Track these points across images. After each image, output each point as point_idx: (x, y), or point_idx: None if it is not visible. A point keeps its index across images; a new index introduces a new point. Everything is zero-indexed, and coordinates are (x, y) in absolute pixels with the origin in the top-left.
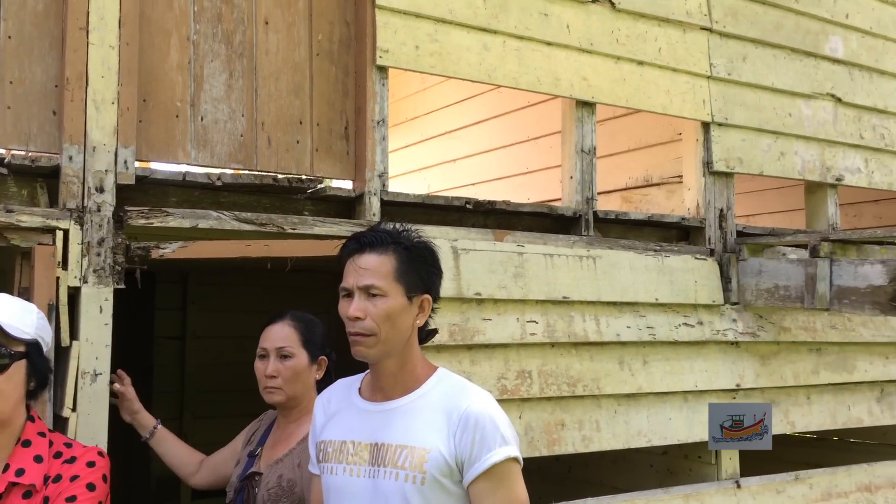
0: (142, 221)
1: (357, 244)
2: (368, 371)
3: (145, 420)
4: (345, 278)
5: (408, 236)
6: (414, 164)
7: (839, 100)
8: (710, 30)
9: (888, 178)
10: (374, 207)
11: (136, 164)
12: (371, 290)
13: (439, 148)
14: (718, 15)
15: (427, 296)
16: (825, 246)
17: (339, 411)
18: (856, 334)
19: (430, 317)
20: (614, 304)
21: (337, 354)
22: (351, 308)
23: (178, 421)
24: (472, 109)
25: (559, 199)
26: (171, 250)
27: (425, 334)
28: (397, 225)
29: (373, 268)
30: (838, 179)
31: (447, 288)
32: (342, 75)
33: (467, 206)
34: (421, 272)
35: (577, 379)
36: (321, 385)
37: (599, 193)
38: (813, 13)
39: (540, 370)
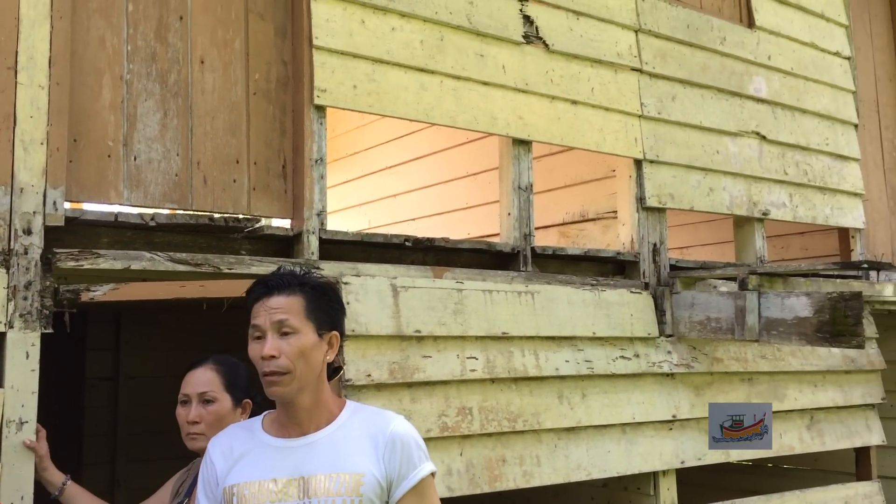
0: (71, 264)
1: (265, 287)
2: (267, 412)
3: (53, 477)
4: (255, 320)
5: (311, 277)
6: (354, 200)
7: (764, 137)
8: (640, 71)
9: (811, 212)
10: (312, 246)
11: (67, 205)
12: (283, 328)
13: (380, 183)
14: (648, 57)
15: (335, 332)
16: (753, 279)
17: (247, 453)
18: (785, 364)
19: (337, 353)
20: (553, 338)
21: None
22: (266, 347)
23: (111, 465)
24: (411, 145)
25: (499, 234)
26: (101, 293)
27: (332, 370)
28: (297, 268)
29: (284, 307)
30: (765, 214)
31: (387, 326)
32: (280, 114)
33: (406, 243)
34: (328, 310)
35: (518, 414)
36: None
37: (538, 228)
38: (737, 55)
39: (480, 406)
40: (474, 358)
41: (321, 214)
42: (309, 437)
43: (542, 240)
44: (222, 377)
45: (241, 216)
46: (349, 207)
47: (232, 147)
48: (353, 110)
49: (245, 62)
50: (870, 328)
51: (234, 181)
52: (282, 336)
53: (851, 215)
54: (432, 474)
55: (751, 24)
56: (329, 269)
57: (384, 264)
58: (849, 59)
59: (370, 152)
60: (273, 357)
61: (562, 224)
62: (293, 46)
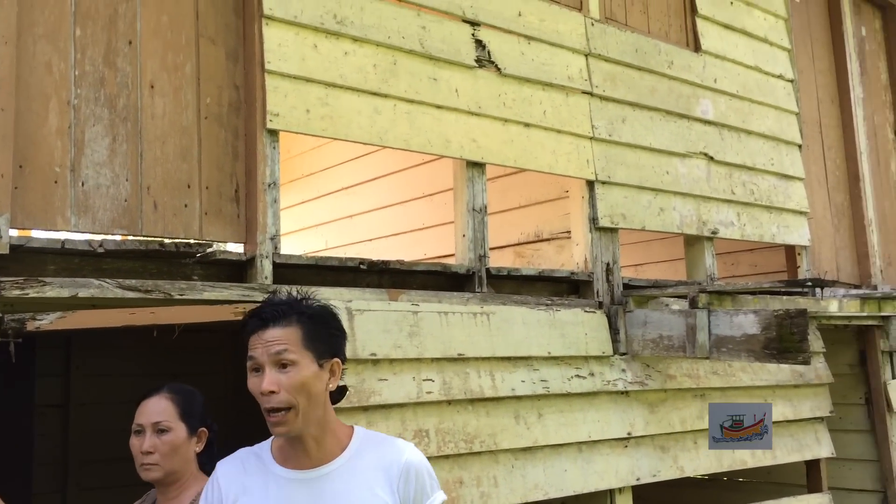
0: (16, 292)
1: (259, 320)
2: (273, 437)
3: None
4: (251, 353)
5: (308, 304)
6: (311, 221)
7: (711, 158)
8: (591, 94)
9: (759, 231)
10: (265, 270)
11: (14, 232)
12: (282, 361)
13: (336, 204)
14: (598, 80)
15: (336, 359)
16: (703, 297)
17: (256, 484)
18: (736, 379)
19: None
20: (509, 359)
21: (245, 419)
22: (265, 382)
23: (62, 494)
24: (367, 166)
25: (455, 255)
26: (48, 321)
27: (337, 392)
28: (294, 293)
29: (280, 338)
30: (714, 233)
31: None
32: (232, 138)
33: (361, 266)
34: (327, 337)
35: (474, 435)
36: (202, 458)
37: (494, 248)
38: (684, 78)
39: (437, 428)
40: (430, 380)
41: (275, 238)
42: (322, 468)
43: (498, 260)
44: (177, 406)
45: (192, 241)
46: (306, 228)
47: (183, 171)
48: (306, 134)
49: (196, 86)
50: (816, 343)
51: (186, 206)
52: (280, 369)
53: (797, 233)
54: (445, 502)
55: (697, 48)
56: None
57: (339, 287)
58: (792, 81)
59: (326, 173)
60: (273, 392)
61: (517, 244)
62: (245, 71)
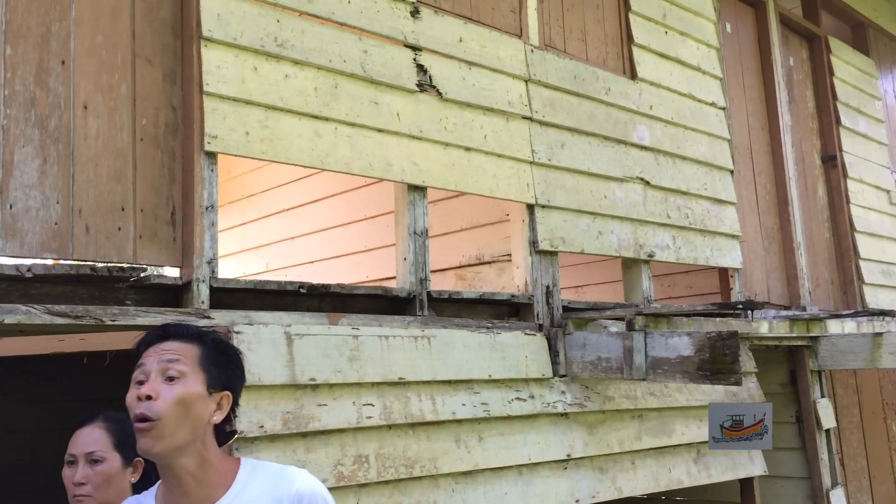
0: None
1: (161, 331)
2: (159, 483)
3: None
4: (142, 360)
5: (210, 332)
6: (252, 242)
7: (648, 183)
8: (530, 119)
9: (693, 254)
10: (202, 295)
11: None
12: (170, 372)
13: (277, 226)
14: (538, 105)
15: (227, 393)
16: (640, 320)
17: None
18: (672, 400)
19: (231, 417)
20: (449, 382)
21: None
22: (143, 387)
23: None
24: (309, 188)
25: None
26: None
27: (225, 434)
28: (201, 325)
29: (176, 349)
30: (650, 256)
31: (280, 375)
32: (168, 160)
33: (301, 290)
34: (225, 367)
35: (415, 460)
36: (138, 489)
37: (436, 271)
38: (621, 104)
39: (377, 454)
40: (371, 404)
41: (212, 262)
42: None
43: (440, 283)
44: (112, 435)
45: (125, 265)
46: (246, 250)
47: (117, 194)
48: (245, 156)
49: (132, 107)
50: (749, 363)
51: (119, 229)
52: (166, 380)
53: (730, 256)
54: None
55: (633, 75)
56: (220, 317)
57: (278, 312)
58: (724, 109)
59: (268, 194)
60: (149, 398)
61: (459, 267)
62: (183, 92)
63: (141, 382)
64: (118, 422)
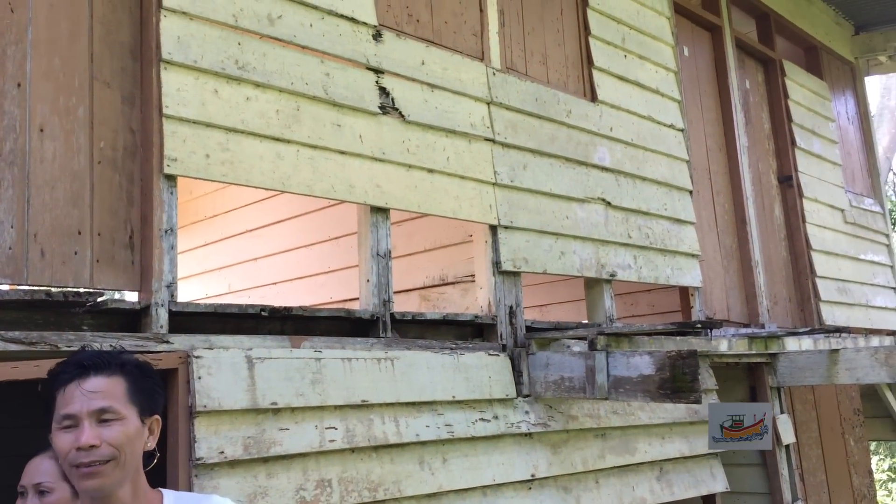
0: None
1: (80, 368)
2: None
3: None
4: (67, 406)
5: (130, 357)
6: (214, 264)
7: (609, 203)
8: (493, 141)
9: (654, 273)
10: (161, 319)
11: None
12: (104, 415)
13: (240, 247)
14: (500, 127)
15: (156, 416)
16: (601, 339)
17: None
18: (635, 418)
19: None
20: (413, 404)
21: None
22: (84, 436)
23: None
24: (272, 209)
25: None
26: None
27: (146, 457)
28: (110, 347)
29: (104, 390)
30: (612, 275)
31: (241, 399)
32: (127, 184)
33: (262, 313)
34: (151, 392)
35: (378, 483)
36: None
37: (400, 292)
38: (582, 126)
39: (340, 478)
40: (333, 428)
41: (171, 286)
42: None
43: (404, 304)
44: (60, 466)
45: (82, 290)
46: (209, 271)
47: (73, 218)
48: (205, 179)
49: (90, 130)
50: (710, 380)
51: (76, 253)
52: (101, 423)
53: (690, 275)
54: None
55: (594, 98)
56: (180, 342)
57: (240, 335)
58: (682, 130)
59: (230, 215)
60: (94, 447)
61: (423, 288)
62: (142, 115)
63: (70, 427)
64: None
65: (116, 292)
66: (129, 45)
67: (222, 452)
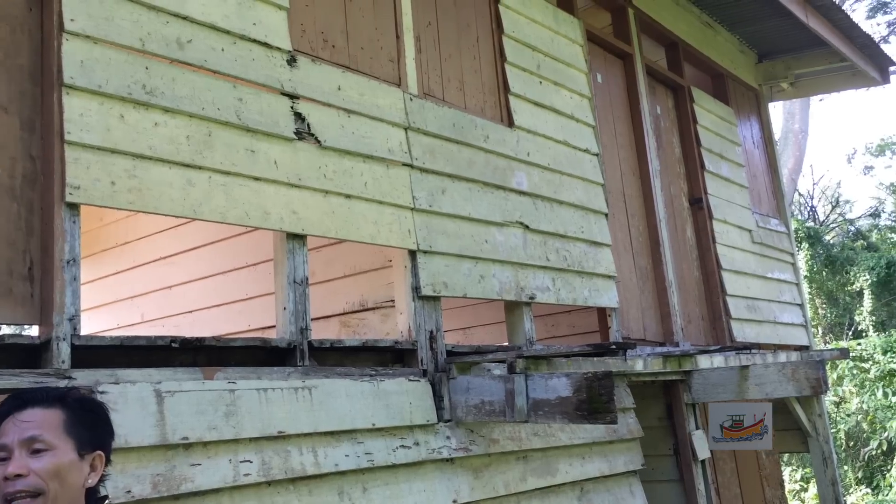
0: None
1: (17, 401)
2: None
3: None
4: (1, 437)
5: (74, 391)
6: (126, 292)
7: (527, 227)
8: (411, 166)
9: (572, 295)
10: (62, 354)
11: None
12: (35, 445)
13: (153, 274)
14: (418, 152)
15: (100, 452)
16: (521, 362)
17: None
18: (556, 439)
19: (103, 478)
20: (332, 433)
21: None
22: (11, 466)
23: None
24: (187, 235)
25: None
26: None
27: (96, 500)
28: (60, 385)
29: (37, 420)
30: (531, 298)
31: (150, 435)
32: (26, 213)
33: (173, 344)
34: (93, 427)
35: None
36: None
37: (319, 319)
38: (500, 151)
39: None
40: (248, 461)
41: (74, 319)
42: None
43: (324, 330)
44: None
45: None
46: (120, 300)
47: None
48: (111, 207)
49: None
50: (627, 399)
51: None
52: (32, 454)
53: (607, 296)
54: None
55: (511, 123)
56: (83, 377)
57: (148, 368)
58: (597, 155)
59: (142, 242)
60: (20, 476)
61: (343, 314)
62: (43, 141)
63: (3, 459)
64: None
65: (22, 326)
66: (28, 68)
67: (129, 492)
